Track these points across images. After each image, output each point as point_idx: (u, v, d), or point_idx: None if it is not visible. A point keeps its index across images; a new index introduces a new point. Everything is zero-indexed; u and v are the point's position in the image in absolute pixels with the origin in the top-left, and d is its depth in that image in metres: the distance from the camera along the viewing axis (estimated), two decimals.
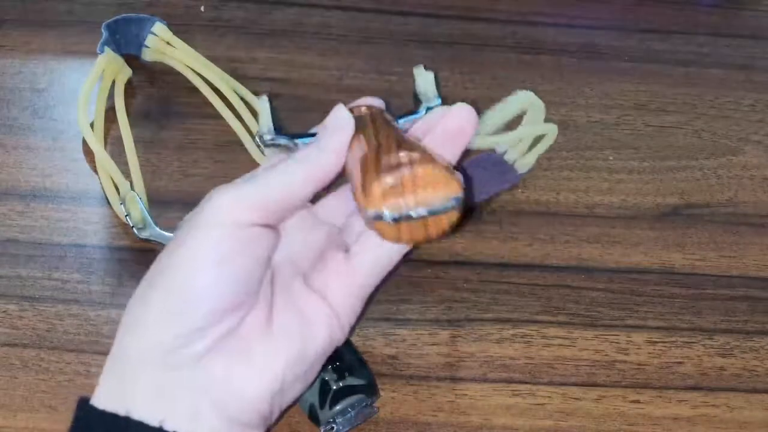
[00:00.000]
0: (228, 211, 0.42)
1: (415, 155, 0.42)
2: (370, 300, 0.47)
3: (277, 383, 0.42)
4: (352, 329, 0.46)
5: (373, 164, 0.42)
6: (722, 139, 0.66)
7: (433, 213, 0.42)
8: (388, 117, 0.47)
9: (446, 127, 0.46)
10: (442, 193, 0.42)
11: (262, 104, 0.47)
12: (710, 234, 0.61)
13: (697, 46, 0.71)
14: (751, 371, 0.56)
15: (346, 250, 0.46)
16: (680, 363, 0.56)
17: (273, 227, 0.44)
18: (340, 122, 0.44)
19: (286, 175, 0.43)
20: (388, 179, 0.41)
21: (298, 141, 0.46)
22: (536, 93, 0.66)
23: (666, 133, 0.66)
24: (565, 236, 0.60)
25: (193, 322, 0.41)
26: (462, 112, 0.45)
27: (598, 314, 0.57)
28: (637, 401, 0.54)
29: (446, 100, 0.65)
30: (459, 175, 0.42)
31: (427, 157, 0.42)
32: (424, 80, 0.48)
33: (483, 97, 0.66)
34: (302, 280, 0.45)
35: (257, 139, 0.49)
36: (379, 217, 0.42)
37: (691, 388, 0.55)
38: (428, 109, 0.48)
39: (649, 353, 0.56)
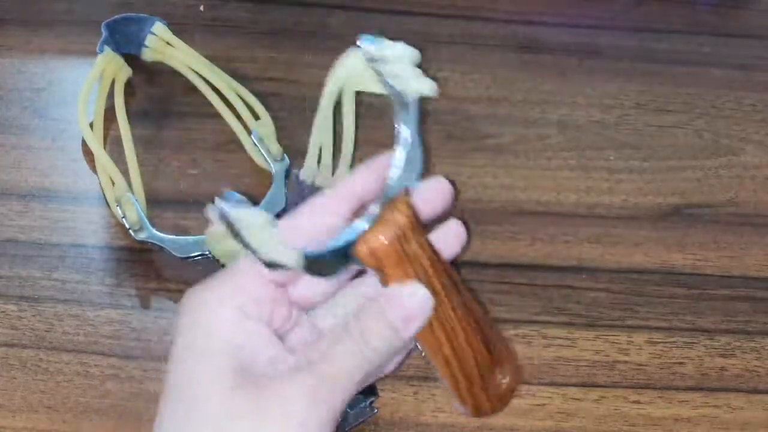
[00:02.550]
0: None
1: (507, 367, 0.42)
2: None
3: None
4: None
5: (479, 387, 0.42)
6: (723, 139, 0.66)
7: None
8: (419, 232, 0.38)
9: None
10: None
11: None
12: (711, 234, 0.61)
13: (697, 46, 0.71)
14: (753, 371, 0.55)
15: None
16: (681, 363, 0.55)
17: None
18: (420, 307, 0.37)
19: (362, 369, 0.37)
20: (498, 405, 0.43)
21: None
22: (536, 93, 0.67)
23: (667, 133, 0.66)
24: (566, 236, 0.60)
25: None
26: (438, 186, 0.40)
27: (599, 314, 0.57)
28: (638, 402, 0.54)
29: (446, 101, 0.66)
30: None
31: (509, 361, 0.43)
32: (397, 58, 0.35)
33: (483, 97, 0.66)
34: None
35: None
36: None
37: (692, 388, 0.55)
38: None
39: (650, 354, 0.56)
